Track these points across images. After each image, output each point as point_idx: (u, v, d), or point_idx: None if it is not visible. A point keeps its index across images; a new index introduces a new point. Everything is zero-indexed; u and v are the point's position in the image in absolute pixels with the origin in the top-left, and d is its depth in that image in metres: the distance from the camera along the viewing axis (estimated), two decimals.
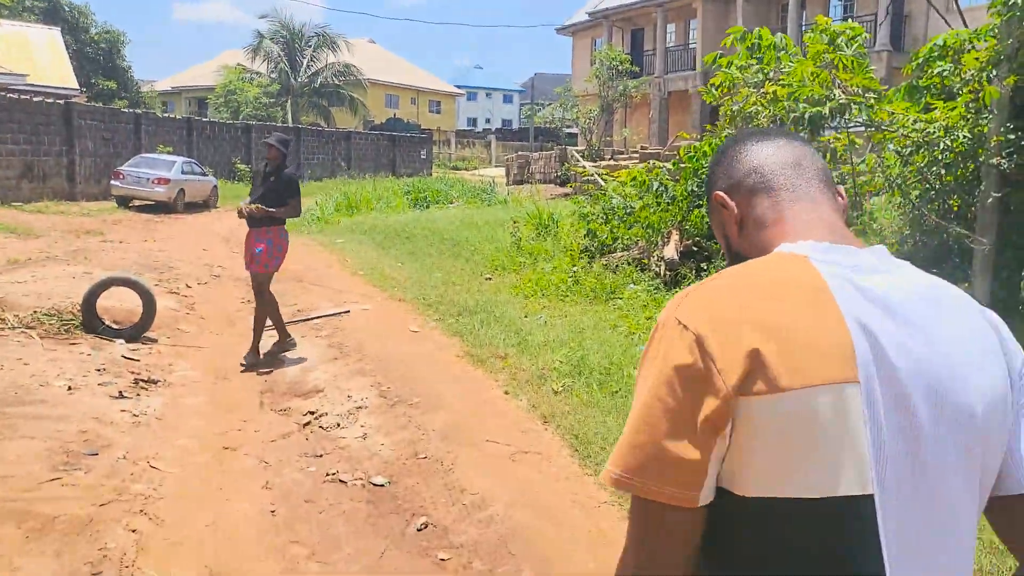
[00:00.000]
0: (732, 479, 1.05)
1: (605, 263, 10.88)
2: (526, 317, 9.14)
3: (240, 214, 7.56)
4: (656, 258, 10.13)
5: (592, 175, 16.14)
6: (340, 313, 9.38)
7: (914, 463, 1.04)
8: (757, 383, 1.00)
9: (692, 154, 10.70)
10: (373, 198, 22.88)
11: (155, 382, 6.98)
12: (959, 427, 1.06)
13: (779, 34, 6.98)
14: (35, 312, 8.29)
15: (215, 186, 25.29)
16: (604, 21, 37.03)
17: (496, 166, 53.44)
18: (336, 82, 45.11)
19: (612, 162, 21.89)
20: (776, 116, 6.56)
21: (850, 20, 30.13)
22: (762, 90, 6.67)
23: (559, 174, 24.21)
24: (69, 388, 6.41)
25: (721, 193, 1.32)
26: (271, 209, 7.40)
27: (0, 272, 10.85)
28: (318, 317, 9.31)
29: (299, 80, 44.29)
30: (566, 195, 23.29)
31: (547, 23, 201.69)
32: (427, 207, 22.02)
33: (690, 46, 35.29)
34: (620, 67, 26.28)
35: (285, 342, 7.85)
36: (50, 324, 8.05)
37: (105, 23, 42.34)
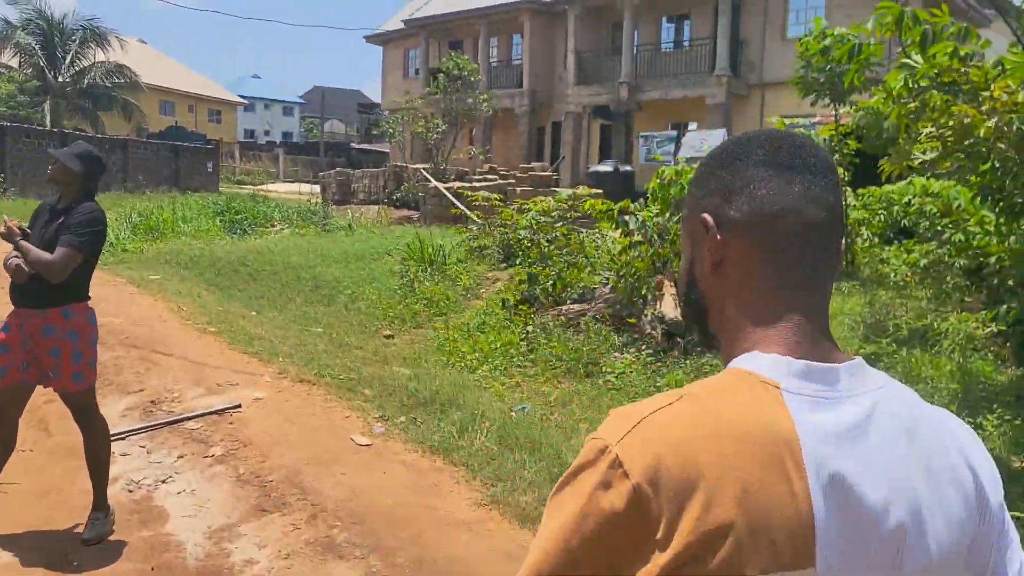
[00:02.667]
0: None
1: (564, 318, 8.34)
2: (511, 410, 6.44)
3: (7, 268, 4.29)
4: (650, 317, 7.72)
5: (485, 199, 13.50)
6: (228, 410, 6.22)
7: None
8: (702, 565, 0.83)
9: (673, 181, 8.41)
10: (176, 219, 18.97)
11: None
12: None
13: (963, 26, 4.79)
14: None
15: None
16: (421, 31, 34.53)
17: (285, 180, 49.44)
18: (106, 83, 39.35)
19: (464, 183, 19.36)
20: (1019, 132, 4.35)
21: (685, 45, 29.57)
22: (984, 98, 4.40)
23: (399, 195, 21.28)
24: None
25: (710, 219, 1.03)
26: (44, 255, 4.11)
27: None
28: (192, 417, 6.09)
29: (61, 79, 38.20)
30: (408, 219, 20.53)
31: (328, 26, 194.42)
32: (245, 232, 18.44)
33: (513, 62, 33.56)
34: (469, 78, 23.78)
35: (103, 518, 4.40)
36: None
37: None
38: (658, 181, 8.72)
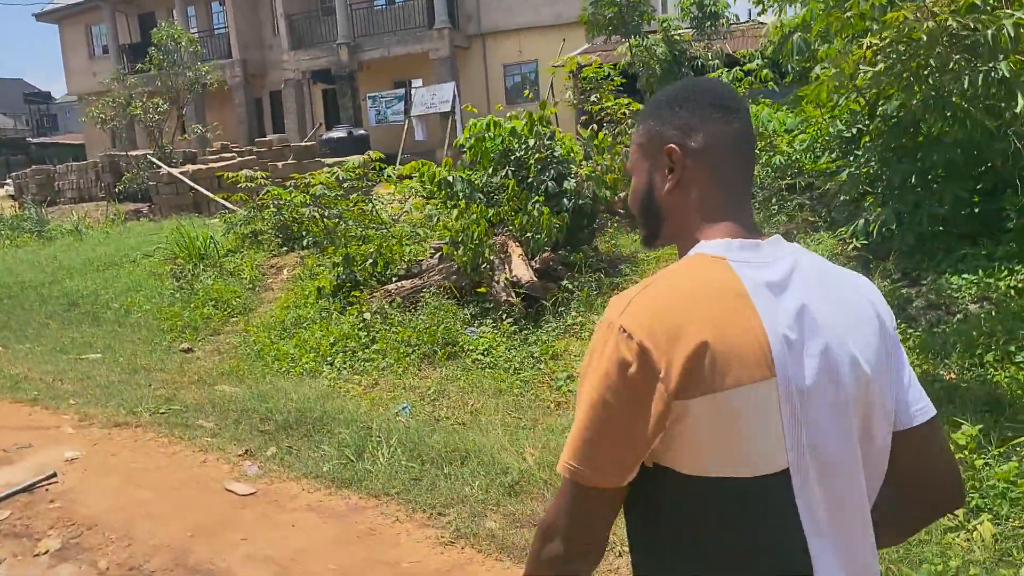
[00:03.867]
0: (669, 458, 1.16)
1: (399, 298, 7.45)
2: (397, 414, 5.55)
3: None
4: (503, 283, 7.04)
5: (249, 179, 11.94)
6: (40, 483, 4.81)
7: (824, 436, 1.17)
8: (695, 387, 1.10)
9: (491, 135, 7.75)
10: None
11: None
12: (855, 392, 1.21)
13: None
14: None
15: None
16: (104, 4, 30.87)
17: None
18: None
19: (199, 165, 17.44)
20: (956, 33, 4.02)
21: (399, 1, 28.63)
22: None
23: (121, 187, 18.78)
24: None
25: (677, 149, 1.30)
26: None
27: None
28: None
29: None
30: (137, 212, 18.29)
31: None
32: None
33: (217, 32, 31.00)
34: (189, 48, 21.24)
35: None
36: None
37: None
38: (471, 137, 8.05)
